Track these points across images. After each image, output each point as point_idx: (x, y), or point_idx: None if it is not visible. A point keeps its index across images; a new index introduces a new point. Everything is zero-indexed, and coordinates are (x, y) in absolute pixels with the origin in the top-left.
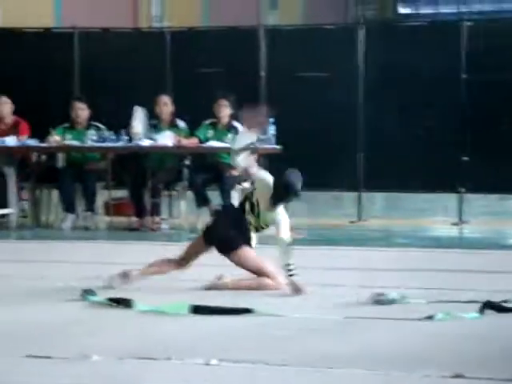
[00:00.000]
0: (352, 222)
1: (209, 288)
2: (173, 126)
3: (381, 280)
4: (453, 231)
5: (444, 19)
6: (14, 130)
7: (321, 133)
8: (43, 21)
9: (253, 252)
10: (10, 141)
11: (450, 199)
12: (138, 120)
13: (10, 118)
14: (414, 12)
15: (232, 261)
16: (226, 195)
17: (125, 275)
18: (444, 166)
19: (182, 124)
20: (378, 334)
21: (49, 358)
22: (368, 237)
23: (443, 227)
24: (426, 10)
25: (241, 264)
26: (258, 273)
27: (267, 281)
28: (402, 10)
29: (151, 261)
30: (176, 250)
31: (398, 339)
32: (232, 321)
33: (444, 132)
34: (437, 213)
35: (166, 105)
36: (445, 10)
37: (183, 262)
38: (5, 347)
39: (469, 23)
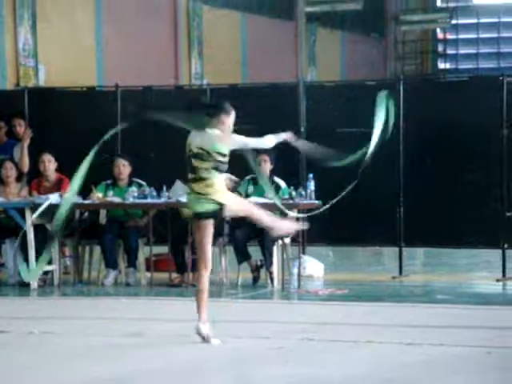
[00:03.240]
0: (394, 277)
1: None
2: None
3: (423, 337)
4: (497, 287)
5: (484, 74)
6: (57, 186)
7: (360, 188)
8: (86, 79)
9: None
10: (54, 198)
11: (493, 255)
12: (175, 190)
13: (53, 176)
14: (453, 67)
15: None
16: (266, 251)
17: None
18: (487, 222)
19: None
20: None
21: None
22: (410, 293)
23: (487, 283)
24: (465, 66)
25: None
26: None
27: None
28: (442, 65)
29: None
30: (216, 305)
31: None
32: None
33: (486, 187)
34: (480, 268)
35: None
36: (485, 65)
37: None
38: None
39: (509, 78)
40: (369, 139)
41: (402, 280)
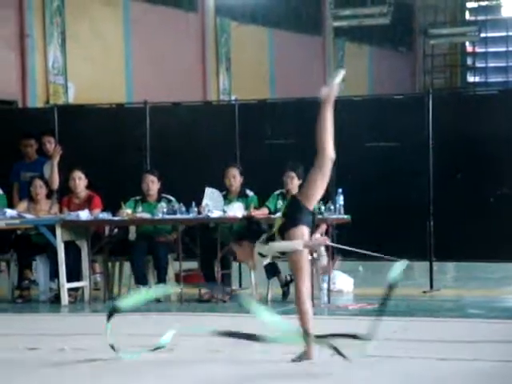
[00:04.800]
0: (425, 292)
1: None
2: (242, 196)
3: (455, 352)
4: None
5: None
6: (87, 203)
7: (390, 202)
8: (115, 96)
9: None
10: (84, 215)
11: None
12: (208, 198)
13: (83, 193)
14: (483, 81)
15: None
16: None
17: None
18: None
19: (250, 193)
20: None
21: None
22: (441, 307)
23: None
24: (495, 79)
25: None
26: None
27: None
28: (471, 78)
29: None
30: (246, 320)
31: None
32: None
33: None
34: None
35: (234, 177)
36: None
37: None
38: None
39: None
40: (396, 153)
41: (432, 294)
